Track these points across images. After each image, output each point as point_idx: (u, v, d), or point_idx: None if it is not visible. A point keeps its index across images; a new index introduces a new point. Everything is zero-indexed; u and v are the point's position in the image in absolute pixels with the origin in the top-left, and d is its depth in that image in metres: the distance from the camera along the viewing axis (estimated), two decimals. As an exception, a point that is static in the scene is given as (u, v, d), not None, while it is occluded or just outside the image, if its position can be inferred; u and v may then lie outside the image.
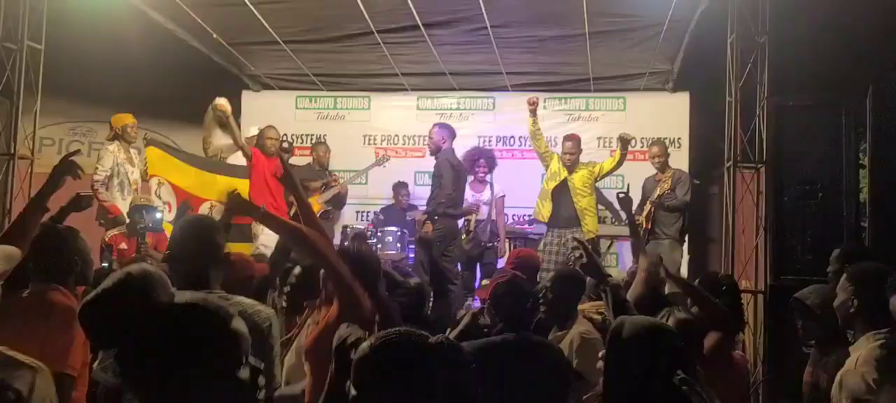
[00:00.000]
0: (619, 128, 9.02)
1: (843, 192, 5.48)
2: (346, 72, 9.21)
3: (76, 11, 7.07)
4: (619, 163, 7.49)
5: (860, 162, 5.67)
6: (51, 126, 10.12)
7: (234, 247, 4.04)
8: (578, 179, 7.52)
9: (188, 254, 2.58)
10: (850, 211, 5.45)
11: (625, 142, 7.30)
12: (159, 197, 7.89)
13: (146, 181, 7.73)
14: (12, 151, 6.73)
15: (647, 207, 7.47)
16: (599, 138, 9.12)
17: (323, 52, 8.40)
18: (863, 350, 2.72)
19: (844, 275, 2.93)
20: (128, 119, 7.44)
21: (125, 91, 8.58)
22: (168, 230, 7.65)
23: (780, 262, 5.61)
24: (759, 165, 5.91)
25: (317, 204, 8.28)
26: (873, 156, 5.31)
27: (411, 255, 7.86)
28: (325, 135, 9.61)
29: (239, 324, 1.70)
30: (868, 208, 5.40)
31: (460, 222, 7.66)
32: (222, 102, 7.42)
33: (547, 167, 7.79)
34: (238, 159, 8.20)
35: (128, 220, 6.73)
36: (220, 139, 8.61)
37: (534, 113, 7.63)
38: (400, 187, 9.02)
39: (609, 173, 7.64)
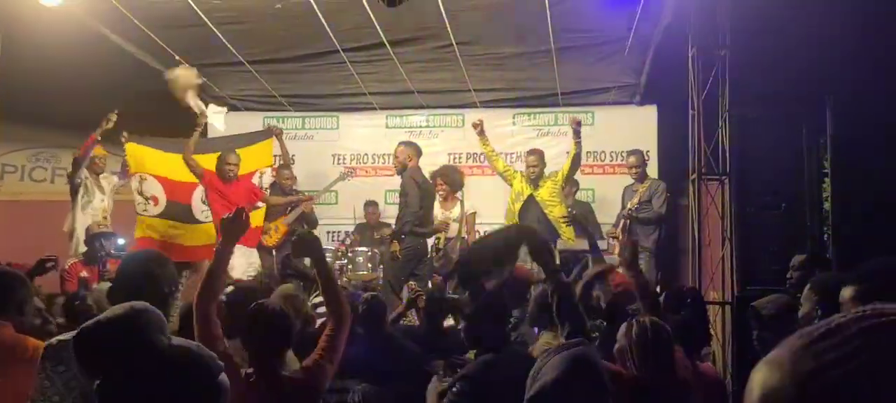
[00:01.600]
0: (588, 142, 9.07)
1: (806, 202, 5.52)
2: (314, 93, 9.15)
3: (35, 36, 6.95)
4: (578, 155, 7.40)
5: (823, 170, 5.72)
6: (12, 153, 9.96)
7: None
8: (545, 192, 7.50)
9: (133, 292, 2.49)
10: (814, 220, 5.49)
11: (577, 125, 7.25)
12: (143, 194, 7.82)
13: (128, 178, 7.68)
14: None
15: (623, 221, 7.47)
16: (568, 152, 9.12)
17: (289, 72, 8.34)
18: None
19: (808, 286, 2.92)
20: (97, 150, 7.37)
21: (87, 115, 8.43)
22: (157, 224, 7.62)
23: (745, 273, 5.63)
24: (723, 177, 5.94)
25: (282, 225, 8.21)
26: (835, 166, 5.35)
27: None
28: (293, 155, 9.52)
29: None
30: (831, 218, 5.43)
31: (430, 240, 7.61)
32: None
33: (510, 186, 7.75)
34: (214, 131, 8.21)
35: (86, 247, 6.62)
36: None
37: (481, 134, 7.62)
38: (370, 205, 8.97)
39: (571, 169, 7.54)
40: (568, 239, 7.34)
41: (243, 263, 7.24)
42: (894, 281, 2.38)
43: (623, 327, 3.12)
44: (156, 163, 8.06)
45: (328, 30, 7.03)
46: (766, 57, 5.95)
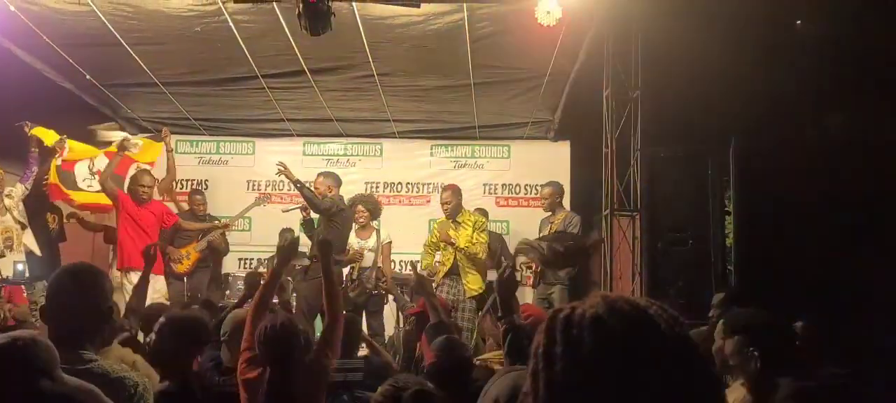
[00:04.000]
0: (503, 175, 9.28)
1: (711, 239, 5.82)
2: (230, 117, 8.99)
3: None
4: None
5: (726, 209, 6.04)
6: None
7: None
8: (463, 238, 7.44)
9: (65, 309, 2.36)
10: (717, 256, 5.79)
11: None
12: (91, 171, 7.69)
13: (35, 165, 7.18)
14: None
15: (536, 253, 7.60)
16: (485, 184, 9.30)
17: (205, 95, 8.18)
18: (736, 394, 2.84)
19: (721, 322, 3.06)
20: None
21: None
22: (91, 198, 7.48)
23: (654, 306, 5.84)
24: (634, 213, 6.19)
25: (194, 252, 7.99)
26: (737, 203, 5.67)
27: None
28: (206, 180, 9.32)
29: None
30: (733, 254, 5.74)
31: (346, 270, 7.56)
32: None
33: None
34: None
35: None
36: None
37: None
38: (286, 232, 8.82)
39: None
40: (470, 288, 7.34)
41: (149, 291, 6.96)
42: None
43: None
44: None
45: (248, 55, 6.95)
46: (675, 99, 6.28)
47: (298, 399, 3.40)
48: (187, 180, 9.36)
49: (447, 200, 7.49)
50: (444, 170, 9.27)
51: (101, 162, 7.77)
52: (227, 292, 8.26)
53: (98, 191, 7.55)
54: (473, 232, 7.24)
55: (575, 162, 8.93)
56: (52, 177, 7.54)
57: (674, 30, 5.83)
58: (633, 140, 6.27)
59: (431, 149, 9.42)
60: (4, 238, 6.76)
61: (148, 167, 7.91)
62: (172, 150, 8.32)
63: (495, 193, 9.26)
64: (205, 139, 9.52)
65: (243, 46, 6.72)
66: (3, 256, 6.57)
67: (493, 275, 8.37)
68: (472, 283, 7.17)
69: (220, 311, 5.60)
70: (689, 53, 5.90)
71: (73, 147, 7.72)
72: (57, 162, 7.59)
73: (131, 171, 7.74)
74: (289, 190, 9.44)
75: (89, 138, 8.09)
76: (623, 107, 6.27)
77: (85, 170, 7.85)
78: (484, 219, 7.70)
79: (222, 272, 8.64)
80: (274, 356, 3.38)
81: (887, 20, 6.12)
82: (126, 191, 7.31)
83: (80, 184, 7.79)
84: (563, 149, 9.12)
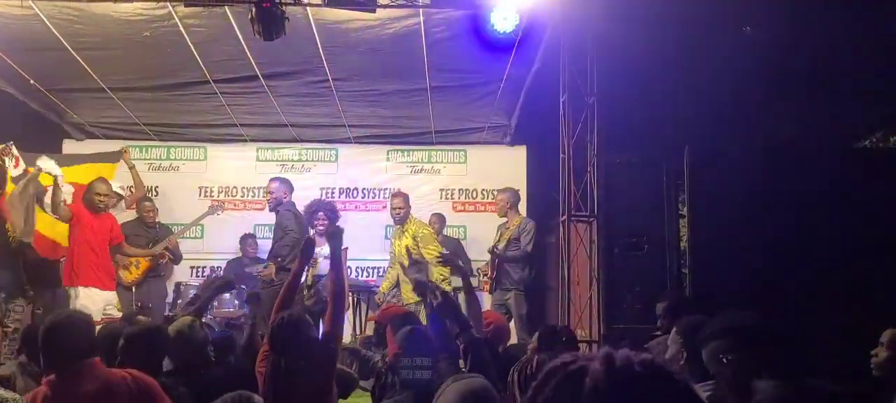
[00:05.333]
0: (460, 180, 9.27)
1: (666, 243, 5.90)
2: (180, 122, 8.81)
3: None
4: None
5: (680, 213, 6.13)
6: None
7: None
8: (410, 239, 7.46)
9: None
10: (673, 260, 5.87)
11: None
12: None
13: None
14: None
15: (491, 257, 7.62)
16: (441, 189, 9.27)
17: (154, 100, 8.00)
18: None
19: (675, 329, 3.09)
20: None
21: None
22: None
23: (610, 311, 5.91)
24: (592, 218, 6.23)
25: (144, 262, 7.78)
26: (691, 207, 5.75)
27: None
28: (157, 186, 9.10)
29: None
30: (688, 257, 5.83)
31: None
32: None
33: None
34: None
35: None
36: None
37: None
38: (247, 239, 8.68)
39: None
40: (442, 278, 7.36)
41: (99, 304, 6.77)
42: (748, 337, 2.60)
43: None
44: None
45: (199, 60, 6.81)
46: (630, 105, 6.35)
47: (302, 385, 3.53)
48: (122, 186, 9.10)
49: (399, 206, 7.54)
50: (400, 175, 9.22)
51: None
52: (180, 301, 8.06)
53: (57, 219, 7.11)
54: (414, 241, 7.26)
55: (532, 167, 8.97)
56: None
57: (628, 36, 5.91)
58: (589, 146, 6.31)
59: (388, 154, 9.37)
60: None
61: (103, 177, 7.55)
62: (133, 167, 8.08)
63: (452, 198, 9.25)
64: (155, 145, 9.29)
65: (194, 51, 6.59)
66: None
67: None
68: (409, 293, 7.14)
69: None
70: (644, 59, 5.99)
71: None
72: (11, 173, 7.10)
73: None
74: (242, 196, 9.32)
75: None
76: (579, 112, 6.31)
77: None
78: (429, 230, 7.70)
79: (175, 281, 8.42)
80: (281, 345, 3.57)
81: (833, 25, 6.30)
82: (82, 201, 7.00)
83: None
84: (519, 154, 9.16)
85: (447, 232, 8.69)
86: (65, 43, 6.46)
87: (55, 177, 6.87)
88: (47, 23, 6.17)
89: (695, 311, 3.43)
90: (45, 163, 6.82)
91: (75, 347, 3.07)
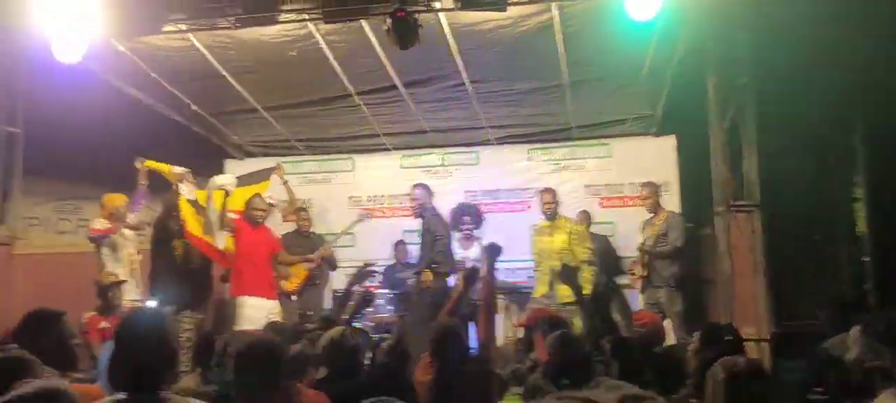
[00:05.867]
0: (606, 174, 8.99)
1: (839, 230, 5.38)
2: (328, 136, 9.15)
3: (55, 91, 6.98)
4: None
5: (854, 197, 5.57)
6: (37, 205, 9.95)
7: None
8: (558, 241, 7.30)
9: (135, 350, 2.36)
10: (848, 249, 5.34)
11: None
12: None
13: (144, 199, 7.33)
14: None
15: (640, 255, 7.33)
16: (587, 186, 9.02)
17: (303, 116, 8.36)
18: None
19: (857, 326, 2.79)
20: (119, 200, 7.21)
21: (108, 166, 8.44)
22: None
23: (780, 308, 5.46)
24: (751, 208, 5.81)
25: (303, 270, 8.11)
26: (870, 190, 5.19)
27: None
28: (310, 198, 9.49)
29: None
30: (869, 244, 5.27)
31: (451, 281, 7.50)
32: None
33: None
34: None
35: (100, 300, 6.52)
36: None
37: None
38: (399, 245, 8.88)
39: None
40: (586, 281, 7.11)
41: (264, 313, 7.08)
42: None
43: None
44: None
45: (341, 74, 7.04)
46: (787, 82, 5.85)
47: (466, 394, 3.57)
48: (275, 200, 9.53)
49: (549, 201, 7.40)
50: (543, 173, 9.06)
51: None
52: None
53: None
54: (569, 238, 7.13)
55: (682, 156, 8.53)
56: (184, 213, 7.30)
57: (782, 10, 5.43)
58: (744, 130, 5.89)
59: (529, 152, 9.24)
60: (130, 265, 7.06)
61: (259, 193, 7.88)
62: (286, 182, 8.39)
63: (598, 194, 8.98)
64: (307, 159, 9.70)
65: (336, 66, 6.81)
66: (125, 282, 6.83)
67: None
68: (565, 293, 6.92)
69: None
70: (800, 34, 5.48)
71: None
72: (186, 196, 7.37)
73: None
74: (390, 204, 9.53)
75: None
76: (731, 95, 5.90)
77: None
78: (583, 228, 7.50)
79: (332, 288, 8.72)
80: (439, 355, 3.63)
81: None
82: (243, 216, 7.36)
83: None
84: (668, 144, 8.73)
85: (594, 229, 8.44)
86: (221, 69, 6.90)
87: (226, 192, 7.29)
88: (205, 52, 6.61)
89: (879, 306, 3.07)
90: (223, 179, 7.25)
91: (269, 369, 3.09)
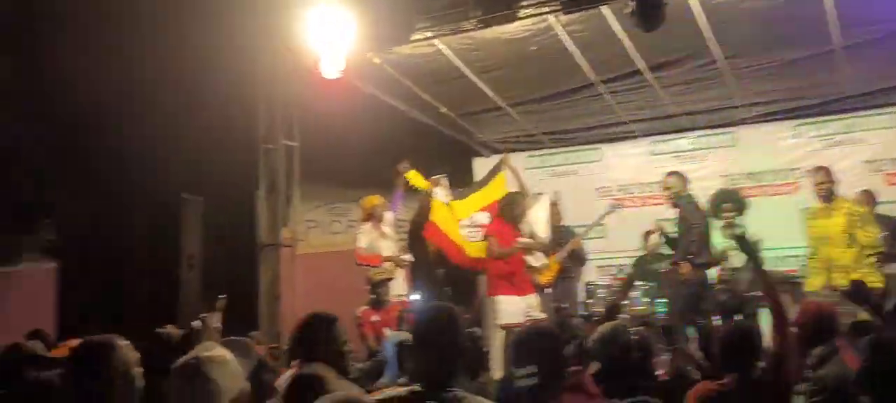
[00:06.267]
0: (893, 148, 7.89)
1: None
2: (573, 127, 9.07)
3: (323, 105, 7.68)
4: None
5: None
6: (315, 209, 11.09)
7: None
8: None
9: (431, 345, 2.43)
10: None
11: None
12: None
13: (401, 200, 7.81)
14: (277, 241, 7.53)
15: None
16: (868, 161, 7.98)
17: (546, 110, 8.38)
18: None
19: None
20: (375, 200, 7.75)
21: (368, 172, 9.14)
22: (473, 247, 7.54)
23: None
24: None
25: (555, 263, 8.10)
26: None
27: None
28: (558, 191, 9.47)
29: None
30: None
31: (715, 270, 7.06)
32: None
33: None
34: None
35: (372, 295, 6.99)
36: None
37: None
38: (650, 235, 8.57)
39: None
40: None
41: (520, 308, 7.14)
42: None
43: None
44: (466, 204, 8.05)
45: (582, 64, 6.94)
46: None
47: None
48: (541, 194, 9.61)
49: (823, 181, 6.50)
50: (812, 151, 8.18)
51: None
52: (591, 300, 8.22)
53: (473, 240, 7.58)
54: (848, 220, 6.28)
55: None
56: (435, 215, 7.67)
57: None
58: None
59: (795, 129, 8.40)
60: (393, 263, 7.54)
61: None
62: (516, 170, 8.39)
63: (882, 170, 7.91)
64: (552, 152, 9.71)
65: (577, 56, 6.72)
66: (393, 279, 7.30)
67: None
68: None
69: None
70: None
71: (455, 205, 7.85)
72: (439, 201, 7.70)
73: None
74: (640, 192, 9.21)
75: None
76: None
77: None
78: (866, 209, 6.59)
79: (585, 281, 8.62)
80: (730, 362, 3.34)
81: None
82: (504, 219, 7.18)
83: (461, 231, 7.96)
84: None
85: (881, 210, 7.42)
86: (466, 70, 7.14)
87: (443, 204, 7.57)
88: (450, 55, 6.89)
89: None
90: (439, 192, 7.53)
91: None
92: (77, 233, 8.68)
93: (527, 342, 2.95)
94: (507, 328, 6.31)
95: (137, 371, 2.63)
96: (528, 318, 7.03)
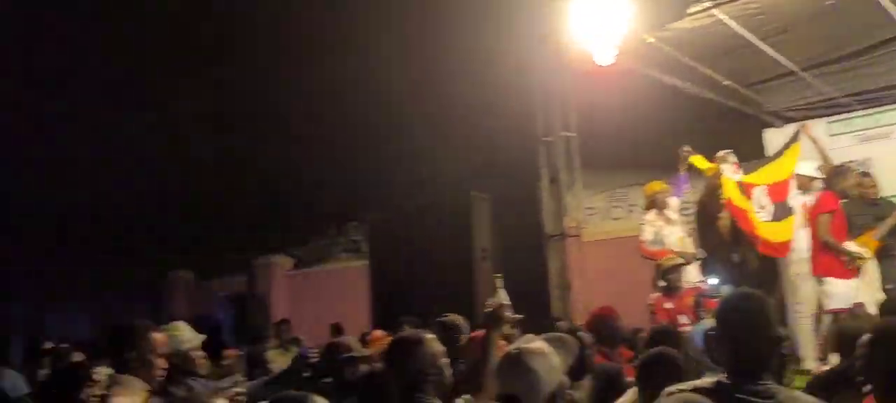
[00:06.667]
0: None
1: None
2: (884, 84, 8.02)
3: (598, 93, 7.66)
4: None
5: None
6: (593, 196, 11.15)
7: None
8: None
9: (740, 335, 2.31)
10: None
11: None
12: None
13: (687, 185, 7.41)
14: (562, 231, 7.69)
15: None
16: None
17: (850, 69, 7.55)
18: None
19: None
20: (658, 186, 7.49)
21: (648, 154, 8.93)
22: (770, 229, 6.98)
23: None
24: None
25: (872, 240, 7.19)
26: None
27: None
28: (869, 158, 8.39)
29: None
30: None
31: None
32: None
33: None
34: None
35: (663, 282, 6.77)
36: None
37: None
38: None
39: None
40: None
41: (843, 292, 6.40)
42: None
43: None
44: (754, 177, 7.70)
45: (893, 12, 6.12)
46: None
47: None
48: (847, 162, 8.58)
49: None
50: None
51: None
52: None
53: (770, 221, 6.92)
54: None
55: None
56: (728, 193, 7.05)
57: None
58: None
59: None
60: (682, 248, 7.25)
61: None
62: (817, 140, 7.60)
63: None
64: (859, 115, 8.63)
65: (887, 5, 5.94)
66: (688, 264, 7.00)
67: None
68: None
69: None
70: None
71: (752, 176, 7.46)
72: (733, 179, 7.09)
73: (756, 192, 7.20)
74: None
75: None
76: None
77: (760, 195, 7.48)
78: None
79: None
80: None
81: None
82: (837, 193, 6.55)
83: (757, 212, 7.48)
84: None
85: None
86: (751, 37, 6.68)
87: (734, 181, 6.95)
88: (732, 24, 6.49)
89: None
90: (727, 169, 6.98)
91: None
92: (381, 234, 9.62)
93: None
94: (835, 313, 5.78)
95: (445, 361, 2.87)
96: (855, 304, 6.33)
